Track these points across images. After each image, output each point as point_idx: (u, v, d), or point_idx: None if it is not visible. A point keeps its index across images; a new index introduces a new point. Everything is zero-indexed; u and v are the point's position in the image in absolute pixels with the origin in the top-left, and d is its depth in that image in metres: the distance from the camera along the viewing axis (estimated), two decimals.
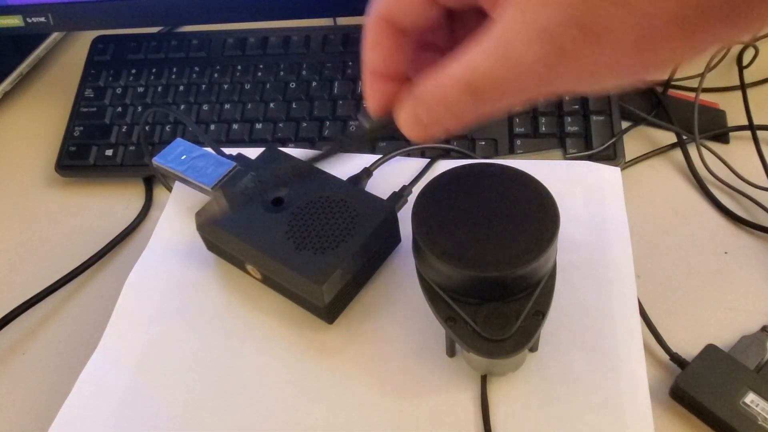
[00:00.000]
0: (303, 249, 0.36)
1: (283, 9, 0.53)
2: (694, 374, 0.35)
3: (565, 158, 0.46)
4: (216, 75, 0.55)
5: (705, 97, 0.51)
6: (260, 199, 0.37)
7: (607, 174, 0.42)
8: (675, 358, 0.37)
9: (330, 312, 0.37)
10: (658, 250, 0.43)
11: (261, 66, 0.55)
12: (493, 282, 0.30)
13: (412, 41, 0.26)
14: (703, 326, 0.39)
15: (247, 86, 0.54)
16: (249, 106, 0.53)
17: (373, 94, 0.27)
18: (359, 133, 0.29)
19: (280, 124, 0.51)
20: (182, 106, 0.54)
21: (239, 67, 0.55)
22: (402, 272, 0.40)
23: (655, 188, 0.47)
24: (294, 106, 0.52)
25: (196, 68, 0.56)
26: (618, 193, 0.41)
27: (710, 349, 0.36)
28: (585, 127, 0.48)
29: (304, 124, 0.51)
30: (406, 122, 0.25)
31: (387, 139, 0.49)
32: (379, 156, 0.44)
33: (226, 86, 0.54)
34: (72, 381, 0.36)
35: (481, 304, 0.31)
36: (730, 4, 0.18)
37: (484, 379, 0.35)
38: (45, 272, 0.46)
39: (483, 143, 0.48)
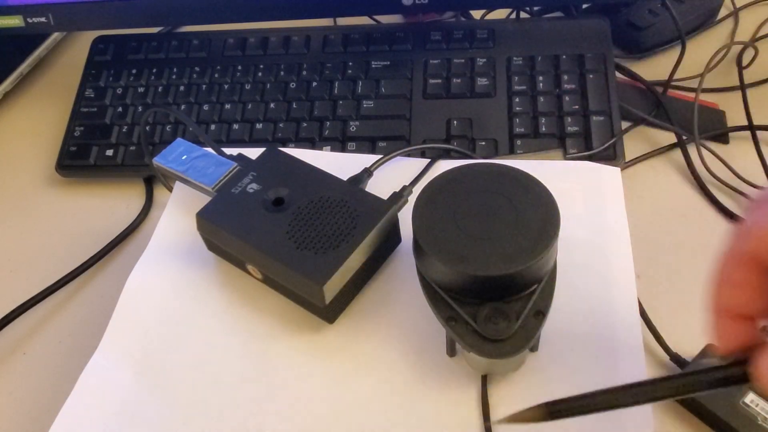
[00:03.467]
0: (303, 249, 0.36)
1: (283, 9, 0.53)
2: None
3: (565, 158, 0.46)
4: (216, 75, 0.55)
5: (705, 98, 0.51)
6: None
7: (607, 174, 0.42)
8: (675, 358, 0.37)
9: (330, 312, 0.37)
10: (658, 250, 0.43)
11: (261, 66, 0.55)
12: (493, 282, 0.30)
13: None
14: (703, 326, 0.38)
15: (247, 86, 0.54)
16: (249, 106, 0.53)
17: (725, 335, 0.25)
18: (711, 377, 0.25)
19: (280, 124, 0.51)
20: (182, 106, 0.54)
21: (239, 67, 0.55)
22: (402, 272, 0.40)
23: (655, 188, 0.47)
24: (294, 106, 0.52)
25: (197, 68, 0.56)
26: (618, 193, 0.41)
27: (710, 349, 0.36)
28: (585, 127, 0.48)
29: (304, 124, 0.51)
30: None
31: (388, 139, 0.49)
32: (380, 156, 0.44)
33: (226, 86, 0.54)
34: (72, 381, 0.36)
35: (482, 304, 0.31)
36: None
37: (484, 379, 0.35)
38: (45, 272, 0.46)
39: (483, 143, 0.48)
